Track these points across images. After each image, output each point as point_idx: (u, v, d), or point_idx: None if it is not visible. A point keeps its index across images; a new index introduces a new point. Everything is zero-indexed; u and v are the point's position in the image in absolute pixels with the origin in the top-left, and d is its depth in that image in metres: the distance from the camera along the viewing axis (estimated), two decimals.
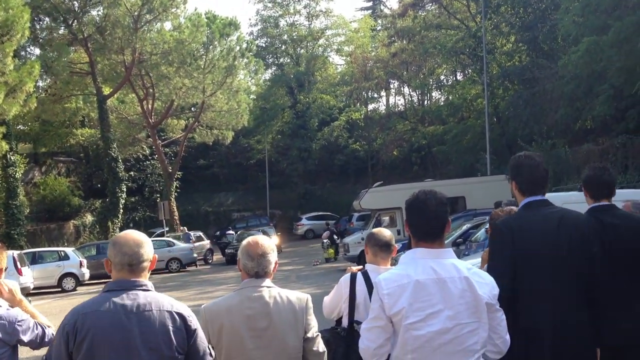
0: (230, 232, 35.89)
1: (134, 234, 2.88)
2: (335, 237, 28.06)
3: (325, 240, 27.62)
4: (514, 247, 3.41)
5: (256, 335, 3.03)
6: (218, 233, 40.77)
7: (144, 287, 2.77)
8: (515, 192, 3.71)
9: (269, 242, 3.20)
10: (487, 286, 2.83)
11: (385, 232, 4.22)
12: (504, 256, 3.36)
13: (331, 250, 27.06)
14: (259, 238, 3.21)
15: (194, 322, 2.81)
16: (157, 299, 2.76)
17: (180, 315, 2.76)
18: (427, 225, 2.88)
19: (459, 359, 2.74)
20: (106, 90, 36.89)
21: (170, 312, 2.74)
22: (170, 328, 2.70)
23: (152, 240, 23.84)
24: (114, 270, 2.79)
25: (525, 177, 3.61)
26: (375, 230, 4.27)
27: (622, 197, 5.00)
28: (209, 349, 2.88)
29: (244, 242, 3.22)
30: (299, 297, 3.16)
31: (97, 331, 2.62)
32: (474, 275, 2.82)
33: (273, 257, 3.17)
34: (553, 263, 3.41)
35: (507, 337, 2.93)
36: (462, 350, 2.74)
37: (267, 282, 3.14)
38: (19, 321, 3.42)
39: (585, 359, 3.48)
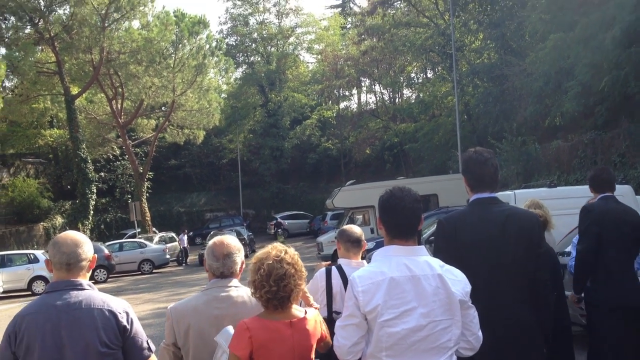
0: (182, 236, 33.40)
1: (73, 234, 2.97)
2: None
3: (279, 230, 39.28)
4: (457, 243, 3.45)
5: None
6: (191, 234, 40.36)
7: (78, 287, 2.87)
8: (466, 188, 3.73)
9: (235, 242, 3.21)
10: (460, 283, 2.85)
11: (356, 229, 4.50)
12: (448, 253, 3.36)
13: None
14: (225, 238, 3.21)
15: (127, 318, 2.89)
16: (89, 296, 2.86)
17: (110, 311, 2.85)
18: (403, 222, 2.89)
19: (432, 356, 2.75)
20: (74, 90, 36.38)
21: (100, 309, 2.83)
22: (100, 325, 2.80)
23: (124, 242, 23.57)
24: (54, 270, 2.92)
25: (473, 174, 3.63)
26: (347, 226, 4.56)
27: (584, 193, 5.44)
28: (148, 343, 2.95)
29: (210, 242, 3.23)
30: None
31: (30, 333, 2.76)
32: (446, 273, 2.84)
33: (239, 257, 3.18)
34: (493, 261, 3.43)
35: (480, 333, 2.94)
36: (435, 347, 2.75)
37: (234, 282, 3.15)
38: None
39: (528, 354, 3.48)
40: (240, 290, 3.12)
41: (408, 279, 2.77)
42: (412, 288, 2.76)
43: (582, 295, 5.08)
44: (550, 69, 24.04)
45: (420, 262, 2.83)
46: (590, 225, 4.92)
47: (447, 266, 2.89)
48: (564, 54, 22.82)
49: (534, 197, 7.37)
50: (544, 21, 24.42)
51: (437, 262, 2.88)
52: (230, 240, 3.20)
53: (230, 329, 2.85)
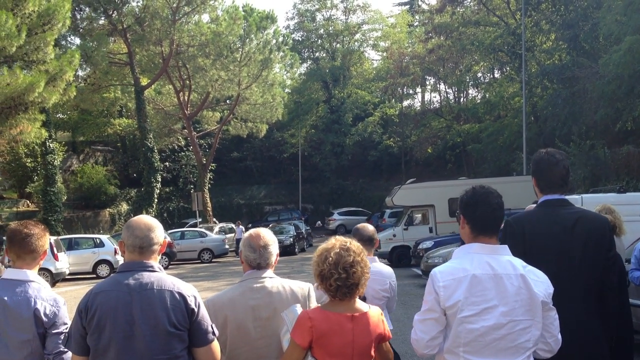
0: (238, 227, 32.86)
1: (146, 219, 3.06)
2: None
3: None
4: (524, 245, 3.41)
5: (260, 325, 3.12)
6: (249, 225, 40.90)
7: (149, 268, 2.95)
8: (534, 189, 3.70)
9: (270, 234, 3.30)
10: (542, 284, 2.84)
11: (369, 227, 4.70)
12: (515, 254, 3.29)
13: None
14: (261, 230, 3.30)
15: (195, 302, 2.94)
16: (160, 278, 2.93)
17: (180, 294, 2.91)
18: (490, 218, 2.90)
19: (510, 355, 2.75)
20: (144, 81, 37.41)
21: (170, 291, 2.90)
22: (169, 306, 2.86)
23: (185, 231, 23.99)
24: (126, 252, 3.00)
25: (544, 175, 3.60)
26: (360, 225, 4.77)
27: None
28: (212, 327, 3.00)
29: (246, 234, 3.32)
30: (301, 287, 3.23)
31: (103, 309, 2.84)
32: (529, 273, 2.83)
33: (274, 248, 3.27)
34: (561, 264, 3.38)
35: (559, 336, 2.92)
36: (514, 347, 2.75)
37: (269, 272, 3.23)
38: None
39: None
40: (274, 281, 3.20)
41: (490, 277, 2.78)
42: (493, 286, 2.76)
43: None
44: (624, 72, 23.21)
45: (502, 261, 2.83)
46: None
47: (530, 267, 2.88)
48: (639, 57, 22.02)
49: (602, 202, 7.15)
50: (620, 23, 23.64)
51: (519, 262, 2.87)
52: (266, 232, 3.29)
53: (298, 308, 2.95)
